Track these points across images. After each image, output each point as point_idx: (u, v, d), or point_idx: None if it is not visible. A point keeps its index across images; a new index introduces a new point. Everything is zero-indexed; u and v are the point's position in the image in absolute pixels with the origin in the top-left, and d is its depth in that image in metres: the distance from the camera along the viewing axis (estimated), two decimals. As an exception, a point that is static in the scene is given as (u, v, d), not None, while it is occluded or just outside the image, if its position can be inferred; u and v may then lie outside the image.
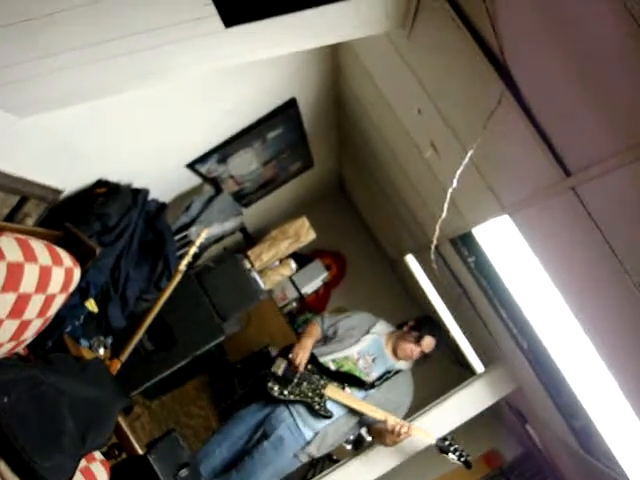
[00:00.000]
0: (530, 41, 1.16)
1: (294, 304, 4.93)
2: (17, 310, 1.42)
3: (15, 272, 1.39)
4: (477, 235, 2.33)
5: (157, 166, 2.70)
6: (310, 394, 2.72)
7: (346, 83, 2.95)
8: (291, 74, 2.65)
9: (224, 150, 3.00)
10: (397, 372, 2.84)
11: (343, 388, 2.74)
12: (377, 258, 5.65)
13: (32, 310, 1.49)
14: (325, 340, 2.94)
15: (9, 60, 1.33)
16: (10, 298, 1.39)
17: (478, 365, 3.75)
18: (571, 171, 1.23)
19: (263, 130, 3.04)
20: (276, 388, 2.73)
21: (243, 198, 3.94)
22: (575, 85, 1.09)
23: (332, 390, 2.72)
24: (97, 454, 1.72)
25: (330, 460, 3.83)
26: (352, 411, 2.72)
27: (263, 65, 2.06)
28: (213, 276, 3.12)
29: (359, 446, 3.35)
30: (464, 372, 4.11)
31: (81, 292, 2.08)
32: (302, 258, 4.47)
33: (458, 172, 1.71)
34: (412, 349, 2.83)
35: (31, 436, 1.33)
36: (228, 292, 3.09)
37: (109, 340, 2.42)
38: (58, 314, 1.70)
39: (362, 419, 2.75)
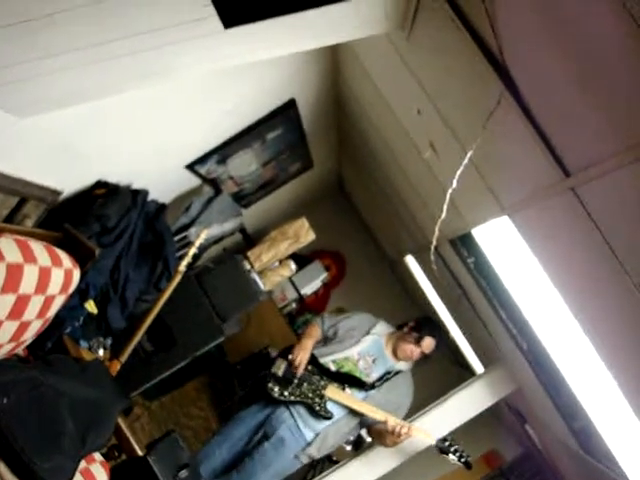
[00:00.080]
0: (529, 41, 1.16)
1: (294, 305, 4.92)
2: (17, 311, 1.42)
3: (15, 273, 1.38)
4: (477, 236, 2.33)
5: (157, 167, 2.70)
6: (310, 395, 2.72)
7: (346, 84, 2.95)
8: (291, 75, 2.65)
9: (224, 151, 3.00)
10: (397, 373, 2.84)
11: (343, 389, 2.74)
12: (377, 259, 5.65)
13: (32, 311, 1.49)
14: (325, 341, 2.94)
15: (9, 60, 1.33)
16: (10, 299, 1.39)
17: (478, 366, 3.75)
18: (571, 171, 1.23)
19: (263, 131, 3.04)
20: (276, 389, 2.73)
21: (243, 199, 3.94)
22: (575, 85, 1.08)
23: (332, 391, 2.72)
24: (97, 455, 1.72)
25: (330, 461, 3.82)
26: (352, 412, 2.72)
27: (263, 66, 2.06)
28: (213, 277, 3.12)
29: (359, 447, 3.35)
30: (464, 373, 4.10)
31: (81, 293, 2.08)
32: (302, 259, 4.47)
33: (458, 172, 1.71)
34: (412, 350, 2.83)
35: (31, 437, 1.33)
36: (228, 293, 3.09)
37: (109, 341, 2.42)
38: (58, 315, 1.70)
39: (362, 420, 2.75)
